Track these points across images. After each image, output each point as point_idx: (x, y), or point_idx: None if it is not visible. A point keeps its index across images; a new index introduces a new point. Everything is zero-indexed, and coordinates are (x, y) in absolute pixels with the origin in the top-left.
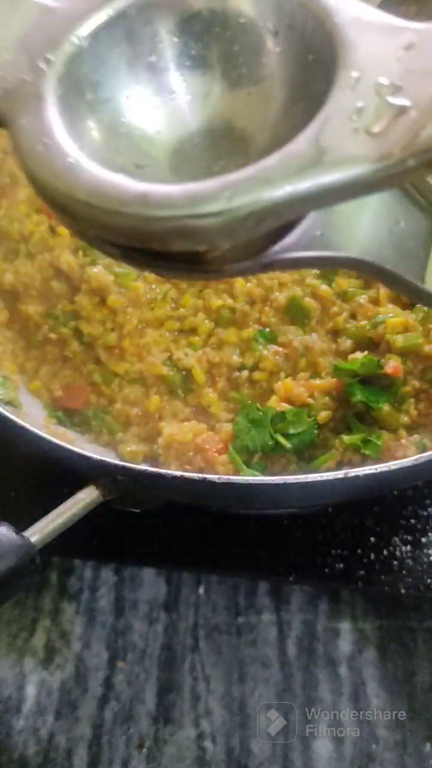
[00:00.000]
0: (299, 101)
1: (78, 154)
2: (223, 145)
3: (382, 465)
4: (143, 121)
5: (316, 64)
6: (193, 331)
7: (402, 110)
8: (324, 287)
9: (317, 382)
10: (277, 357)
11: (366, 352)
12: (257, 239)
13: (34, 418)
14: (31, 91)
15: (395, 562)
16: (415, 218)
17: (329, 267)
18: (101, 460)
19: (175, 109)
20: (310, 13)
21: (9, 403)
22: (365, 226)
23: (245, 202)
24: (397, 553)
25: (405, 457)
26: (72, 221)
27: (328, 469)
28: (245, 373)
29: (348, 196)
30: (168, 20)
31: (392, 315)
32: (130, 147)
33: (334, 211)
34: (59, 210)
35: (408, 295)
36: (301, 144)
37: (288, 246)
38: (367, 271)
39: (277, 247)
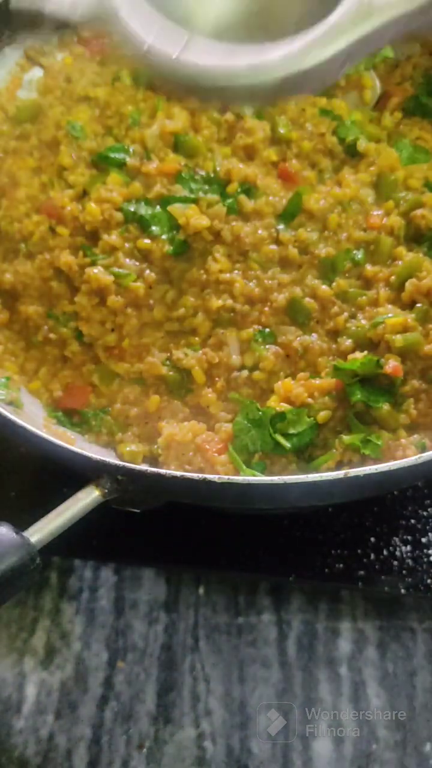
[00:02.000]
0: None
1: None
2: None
3: (382, 465)
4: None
5: None
6: (193, 331)
7: None
8: (324, 287)
9: (317, 382)
10: (277, 357)
11: (366, 352)
12: None
13: (34, 418)
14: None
15: (395, 562)
16: None
17: None
18: (101, 460)
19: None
20: None
21: (11, 403)
22: None
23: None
24: (397, 553)
25: (405, 457)
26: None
27: (328, 469)
28: (244, 374)
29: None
30: None
31: (392, 315)
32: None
33: None
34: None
35: None
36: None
37: None
38: None
39: None
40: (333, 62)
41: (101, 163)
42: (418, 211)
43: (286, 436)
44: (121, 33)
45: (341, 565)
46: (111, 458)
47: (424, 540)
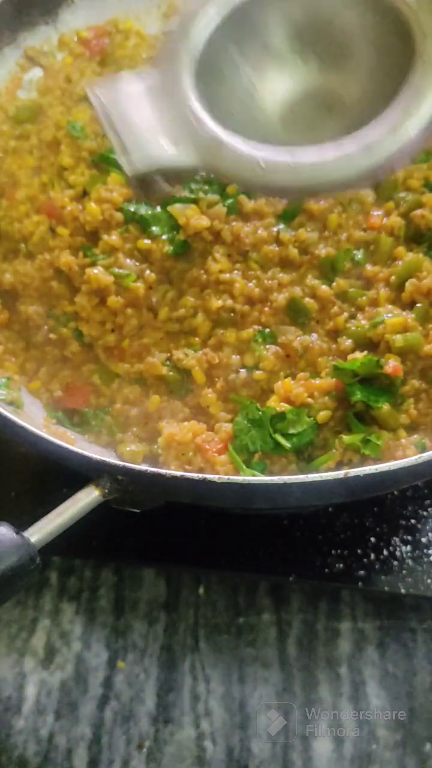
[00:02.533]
0: (380, 75)
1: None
2: (319, 109)
3: (382, 465)
4: (264, 95)
5: (393, 51)
6: (193, 331)
7: None
8: (324, 287)
9: (317, 382)
10: (277, 357)
11: (366, 352)
12: None
13: (34, 418)
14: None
15: (395, 562)
16: None
17: None
18: (101, 460)
19: (283, 82)
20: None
21: (12, 403)
22: None
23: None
24: (397, 553)
25: (405, 457)
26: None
27: (328, 469)
28: (245, 374)
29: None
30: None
31: (392, 315)
32: (254, 116)
33: None
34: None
35: None
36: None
37: None
38: None
39: None
40: (423, 133)
41: (101, 164)
42: (418, 211)
43: (286, 436)
44: (233, 161)
45: (341, 565)
46: (111, 458)
47: (424, 540)
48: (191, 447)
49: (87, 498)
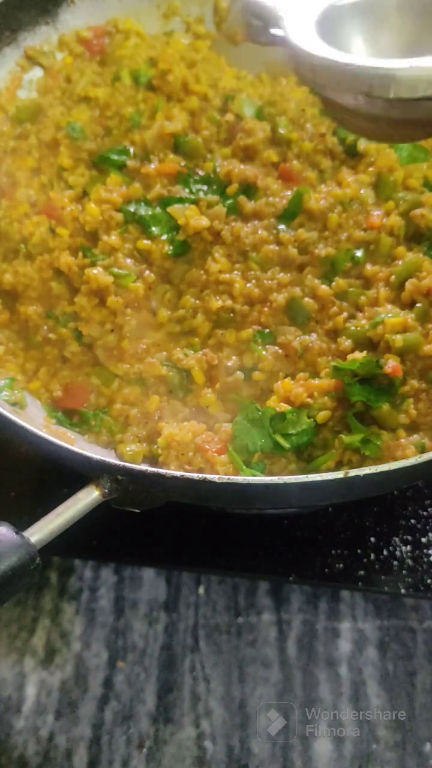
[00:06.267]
0: None
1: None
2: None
3: (382, 465)
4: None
5: None
6: (193, 332)
7: None
8: (324, 287)
9: (316, 382)
10: (276, 358)
11: (365, 352)
12: None
13: (34, 418)
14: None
15: (395, 562)
16: None
17: None
18: (101, 460)
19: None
20: None
21: (15, 404)
22: None
23: None
24: (397, 553)
25: (404, 457)
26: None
27: (328, 469)
28: (244, 374)
29: None
30: None
31: (391, 315)
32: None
33: None
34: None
35: None
36: None
37: None
38: None
39: None
40: None
41: (101, 164)
42: (418, 211)
43: (286, 436)
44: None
45: (341, 565)
46: (111, 458)
47: (424, 540)
48: (191, 447)
49: (87, 498)
